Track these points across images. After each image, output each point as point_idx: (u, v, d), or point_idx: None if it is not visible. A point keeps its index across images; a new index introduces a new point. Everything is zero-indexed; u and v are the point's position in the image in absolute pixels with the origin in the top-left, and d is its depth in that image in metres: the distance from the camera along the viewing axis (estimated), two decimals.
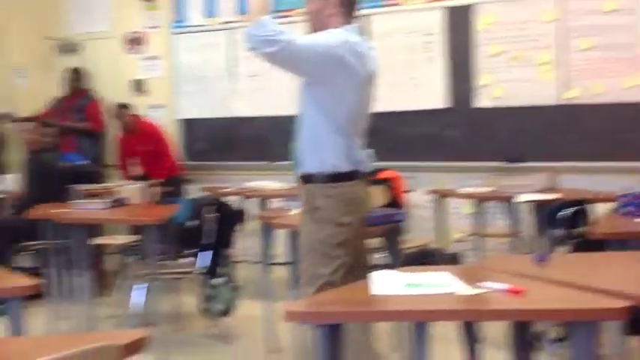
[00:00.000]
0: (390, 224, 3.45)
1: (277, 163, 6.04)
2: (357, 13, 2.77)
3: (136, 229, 4.70)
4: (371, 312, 2.01)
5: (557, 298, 1.90)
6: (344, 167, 2.67)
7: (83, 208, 4.31)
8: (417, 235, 4.44)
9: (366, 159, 2.78)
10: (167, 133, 6.31)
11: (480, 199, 4.62)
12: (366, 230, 2.81)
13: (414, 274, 2.17)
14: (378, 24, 5.66)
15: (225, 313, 3.90)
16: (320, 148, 2.67)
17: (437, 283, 2.06)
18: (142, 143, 6.08)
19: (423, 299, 1.95)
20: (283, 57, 2.55)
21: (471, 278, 2.08)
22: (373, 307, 2.01)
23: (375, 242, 3.86)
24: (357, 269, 2.67)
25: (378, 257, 3.56)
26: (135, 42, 6.81)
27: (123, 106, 6.18)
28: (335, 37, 2.64)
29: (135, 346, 1.65)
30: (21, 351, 1.54)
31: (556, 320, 2.58)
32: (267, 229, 3.86)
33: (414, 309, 1.91)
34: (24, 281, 2.34)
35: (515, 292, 1.92)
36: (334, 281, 2.61)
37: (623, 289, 1.89)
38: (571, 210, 3.41)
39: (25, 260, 4.97)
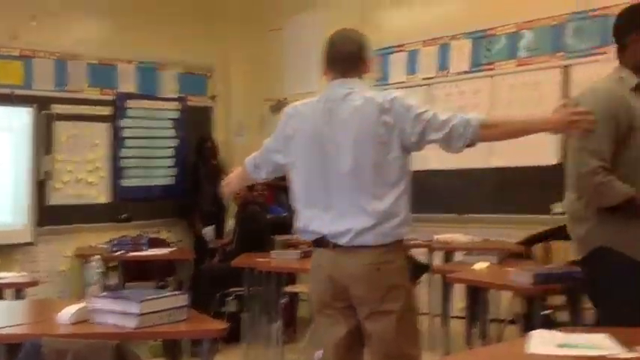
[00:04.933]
0: (572, 281, 3.37)
1: (466, 215, 6.08)
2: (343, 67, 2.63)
3: None
4: None
5: None
6: (305, 237, 2.66)
7: (280, 257, 4.66)
8: None
9: (331, 227, 2.52)
10: None
11: None
12: (341, 300, 2.56)
13: (571, 335, 2.16)
14: (580, 73, 5.54)
15: None
16: None
17: (591, 345, 2.03)
18: None
19: None
20: None
21: (631, 341, 2.02)
22: None
23: (555, 300, 3.80)
24: (334, 335, 2.58)
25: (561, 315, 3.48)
26: None
27: None
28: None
29: None
30: None
31: None
32: (447, 282, 3.92)
33: None
34: (215, 325, 2.65)
35: None
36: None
37: None
38: None
39: (231, 305, 5.45)
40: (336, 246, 2.53)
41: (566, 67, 5.62)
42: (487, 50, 6.14)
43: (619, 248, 2.53)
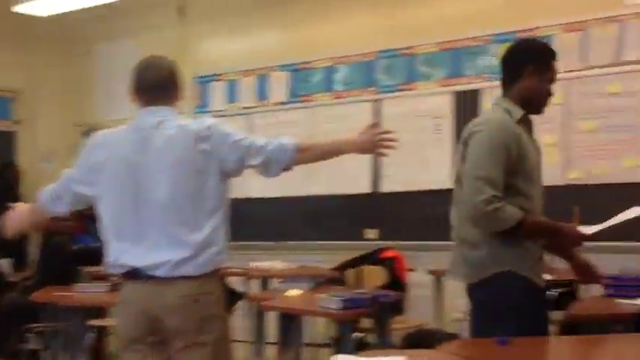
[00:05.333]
0: (378, 305, 3.48)
1: (283, 242, 6.13)
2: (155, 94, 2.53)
3: None
4: None
5: None
6: (116, 270, 2.51)
7: (85, 290, 4.38)
8: (418, 315, 4.42)
9: (145, 260, 2.41)
10: None
11: None
12: (153, 334, 2.45)
13: (371, 358, 2.19)
14: (390, 107, 5.82)
15: None
16: None
17: None
18: None
19: None
20: None
21: None
22: None
23: (366, 322, 3.91)
24: None
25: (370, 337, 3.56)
26: None
27: None
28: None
29: None
30: None
31: None
32: (261, 309, 3.90)
33: None
34: None
35: None
36: None
37: None
38: (558, 290, 3.38)
39: (32, 342, 5.05)
40: (150, 278, 2.42)
41: (376, 100, 5.90)
42: (304, 82, 6.30)
43: (516, 271, 2.55)
